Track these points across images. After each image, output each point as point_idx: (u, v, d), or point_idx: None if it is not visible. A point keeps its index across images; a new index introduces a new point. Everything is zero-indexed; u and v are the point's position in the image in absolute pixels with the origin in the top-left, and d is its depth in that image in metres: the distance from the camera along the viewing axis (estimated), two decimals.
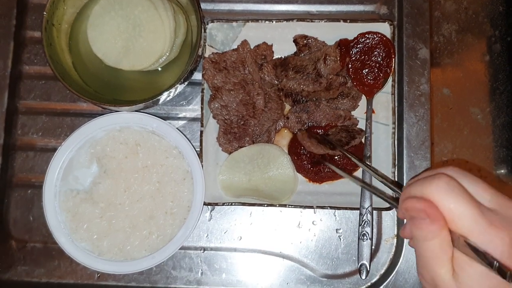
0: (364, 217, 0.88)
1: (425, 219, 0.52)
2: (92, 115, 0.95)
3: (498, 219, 0.51)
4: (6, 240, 0.96)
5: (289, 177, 0.92)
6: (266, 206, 0.91)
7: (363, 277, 0.89)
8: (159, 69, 0.96)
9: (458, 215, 0.52)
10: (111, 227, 0.90)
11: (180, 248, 0.91)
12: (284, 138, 0.96)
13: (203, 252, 0.96)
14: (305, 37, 0.95)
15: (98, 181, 0.91)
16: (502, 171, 0.99)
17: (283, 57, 0.96)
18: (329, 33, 0.95)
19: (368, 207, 0.88)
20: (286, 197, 0.91)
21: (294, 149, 0.92)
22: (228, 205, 0.91)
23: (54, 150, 0.92)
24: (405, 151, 0.94)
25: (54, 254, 0.95)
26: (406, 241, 0.92)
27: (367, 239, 0.88)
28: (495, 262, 0.48)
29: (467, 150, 1.00)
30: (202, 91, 0.93)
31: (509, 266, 0.48)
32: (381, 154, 0.92)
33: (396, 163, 0.92)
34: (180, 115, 0.99)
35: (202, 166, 0.90)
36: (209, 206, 0.96)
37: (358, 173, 0.94)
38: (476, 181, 0.55)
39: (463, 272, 0.51)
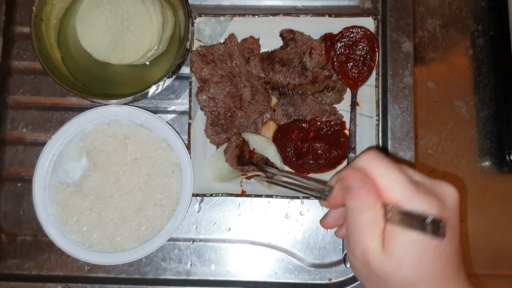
0: None
1: (362, 189, 0.53)
2: (81, 109, 0.96)
3: (424, 188, 0.54)
4: None
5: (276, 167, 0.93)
6: (254, 197, 0.92)
7: (348, 265, 0.90)
8: (147, 63, 0.97)
9: (389, 183, 0.54)
10: (100, 219, 0.91)
11: (169, 240, 0.92)
12: (270, 130, 0.97)
13: (192, 243, 0.97)
14: (291, 31, 0.96)
15: (87, 174, 0.92)
16: (486, 163, 1.02)
17: (269, 50, 0.98)
18: (315, 28, 0.97)
19: None
20: (272, 186, 0.92)
21: (279, 141, 0.94)
22: (216, 196, 0.92)
23: (43, 144, 0.92)
24: (389, 142, 0.96)
25: (44, 247, 0.96)
26: None
27: None
28: (428, 219, 0.50)
29: (451, 143, 1.02)
30: (190, 84, 0.95)
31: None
32: (366, 146, 0.94)
33: None
34: (168, 109, 1.00)
35: (191, 158, 0.91)
36: (198, 198, 0.97)
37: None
38: (397, 162, 0.57)
39: (393, 242, 0.52)
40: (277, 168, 0.93)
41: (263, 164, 0.92)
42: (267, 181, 0.90)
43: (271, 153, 0.94)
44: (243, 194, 0.93)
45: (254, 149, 0.94)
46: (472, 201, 1.00)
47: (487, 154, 1.02)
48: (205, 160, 0.95)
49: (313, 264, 0.96)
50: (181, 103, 1.00)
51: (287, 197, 0.92)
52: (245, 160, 0.92)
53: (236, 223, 0.97)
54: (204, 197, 0.97)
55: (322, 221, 0.67)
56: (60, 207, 0.91)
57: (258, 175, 0.90)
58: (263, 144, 0.94)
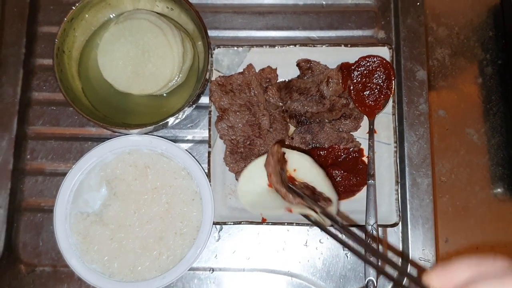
0: (370, 234, 0.90)
1: None
2: (100, 139, 0.98)
3: None
4: (15, 264, 0.96)
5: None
6: (272, 224, 0.92)
7: None
8: (164, 94, 0.99)
9: None
10: (121, 248, 0.91)
11: (189, 269, 0.92)
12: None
13: (211, 272, 0.96)
14: (308, 61, 0.99)
15: (108, 203, 0.93)
16: (499, 189, 1.02)
17: (287, 80, 1.00)
18: (331, 57, 0.99)
19: (373, 224, 0.90)
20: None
21: None
22: (237, 224, 0.92)
23: (63, 174, 0.93)
24: (407, 169, 0.97)
25: (63, 277, 0.96)
26: (411, 257, 0.94)
27: None
28: None
29: (464, 170, 1.03)
30: (210, 113, 0.96)
31: None
32: (384, 172, 0.95)
33: (399, 180, 0.94)
34: (187, 138, 1.01)
35: (211, 186, 0.92)
36: (217, 226, 0.97)
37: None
38: None
39: None
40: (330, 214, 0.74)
41: (311, 199, 0.75)
42: (321, 226, 0.74)
43: (320, 181, 0.78)
44: (263, 222, 0.93)
45: (295, 170, 0.80)
46: (486, 228, 1.00)
47: (499, 181, 1.03)
48: (225, 188, 0.96)
49: None
50: (200, 132, 1.01)
51: (306, 224, 0.92)
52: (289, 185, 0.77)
53: (256, 252, 0.97)
54: (223, 226, 0.97)
55: None
56: (81, 237, 0.91)
57: (307, 216, 0.74)
58: (307, 166, 0.80)
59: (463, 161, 1.03)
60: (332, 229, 0.75)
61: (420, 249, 0.94)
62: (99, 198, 0.95)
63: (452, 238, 0.99)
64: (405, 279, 0.87)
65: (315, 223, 0.75)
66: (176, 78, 0.95)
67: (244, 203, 0.82)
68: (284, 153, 0.79)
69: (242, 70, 0.98)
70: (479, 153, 1.04)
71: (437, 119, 1.05)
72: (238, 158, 0.95)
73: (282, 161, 0.78)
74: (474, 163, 1.03)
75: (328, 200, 0.77)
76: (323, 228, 0.73)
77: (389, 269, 0.87)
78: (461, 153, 1.04)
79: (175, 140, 1.00)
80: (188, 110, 0.95)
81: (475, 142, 1.04)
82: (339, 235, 0.74)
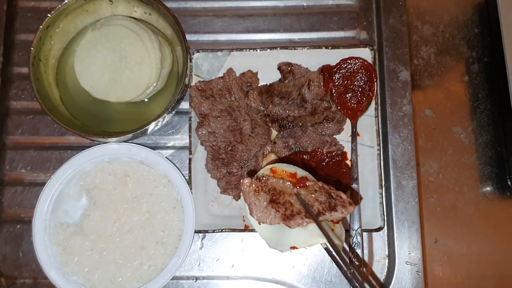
0: (354, 239, 0.89)
1: None
2: (80, 148, 0.96)
3: None
4: None
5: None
6: (256, 231, 0.91)
7: None
8: (146, 100, 0.97)
9: None
10: (102, 259, 0.89)
11: (172, 278, 0.90)
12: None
13: (195, 281, 0.95)
14: (289, 64, 0.97)
15: (88, 213, 0.91)
16: (488, 188, 1.01)
17: (268, 84, 0.98)
18: (312, 60, 0.98)
19: (358, 228, 0.89)
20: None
21: None
22: (218, 232, 0.91)
23: (43, 184, 0.92)
24: (391, 172, 0.95)
25: None
26: (397, 261, 0.93)
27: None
28: None
29: (452, 170, 1.02)
30: (190, 119, 0.95)
31: None
32: (368, 176, 0.94)
33: (383, 183, 0.93)
34: (168, 144, 1.00)
35: (192, 194, 0.91)
36: (200, 234, 0.96)
37: None
38: None
39: None
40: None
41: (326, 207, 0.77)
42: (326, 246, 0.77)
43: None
44: (246, 229, 0.92)
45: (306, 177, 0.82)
46: (475, 227, 0.99)
47: (488, 180, 1.01)
48: (207, 195, 0.95)
49: None
50: (181, 138, 1.00)
51: None
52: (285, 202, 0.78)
53: (240, 259, 0.96)
54: (206, 234, 0.96)
55: None
56: (60, 248, 0.89)
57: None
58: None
59: (451, 161, 1.02)
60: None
61: (407, 253, 0.93)
62: (79, 208, 0.93)
63: (441, 238, 0.98)
64: None
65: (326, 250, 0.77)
66: (154, 84, 0.94)
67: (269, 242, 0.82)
68: (261, 177, 0.79)
69: (222, 75, 0.97)
70: (467, 152, 1.03)
71: (424, 119, 1.03)
72: (220, 164, 0.93)
73: (266, 182, 0.79)
74: (462, 162, 1.02)
75: (350, 203, 0.78)
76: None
77: None
78: (448, 152, 1.02)
79: (156, 147, 0.98)
80: (167, 117, 0.93)
81: (462, 141, 1.03)
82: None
